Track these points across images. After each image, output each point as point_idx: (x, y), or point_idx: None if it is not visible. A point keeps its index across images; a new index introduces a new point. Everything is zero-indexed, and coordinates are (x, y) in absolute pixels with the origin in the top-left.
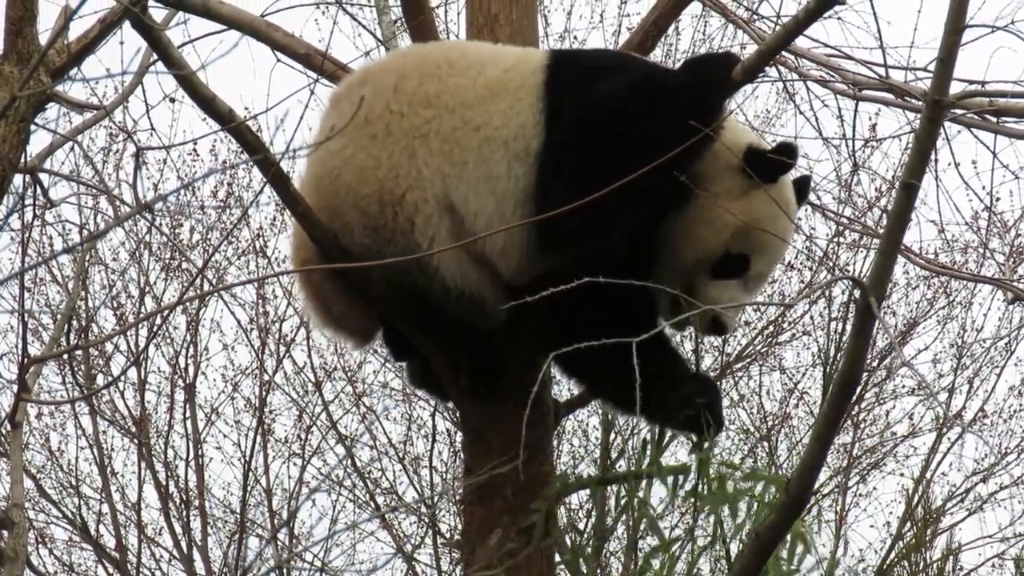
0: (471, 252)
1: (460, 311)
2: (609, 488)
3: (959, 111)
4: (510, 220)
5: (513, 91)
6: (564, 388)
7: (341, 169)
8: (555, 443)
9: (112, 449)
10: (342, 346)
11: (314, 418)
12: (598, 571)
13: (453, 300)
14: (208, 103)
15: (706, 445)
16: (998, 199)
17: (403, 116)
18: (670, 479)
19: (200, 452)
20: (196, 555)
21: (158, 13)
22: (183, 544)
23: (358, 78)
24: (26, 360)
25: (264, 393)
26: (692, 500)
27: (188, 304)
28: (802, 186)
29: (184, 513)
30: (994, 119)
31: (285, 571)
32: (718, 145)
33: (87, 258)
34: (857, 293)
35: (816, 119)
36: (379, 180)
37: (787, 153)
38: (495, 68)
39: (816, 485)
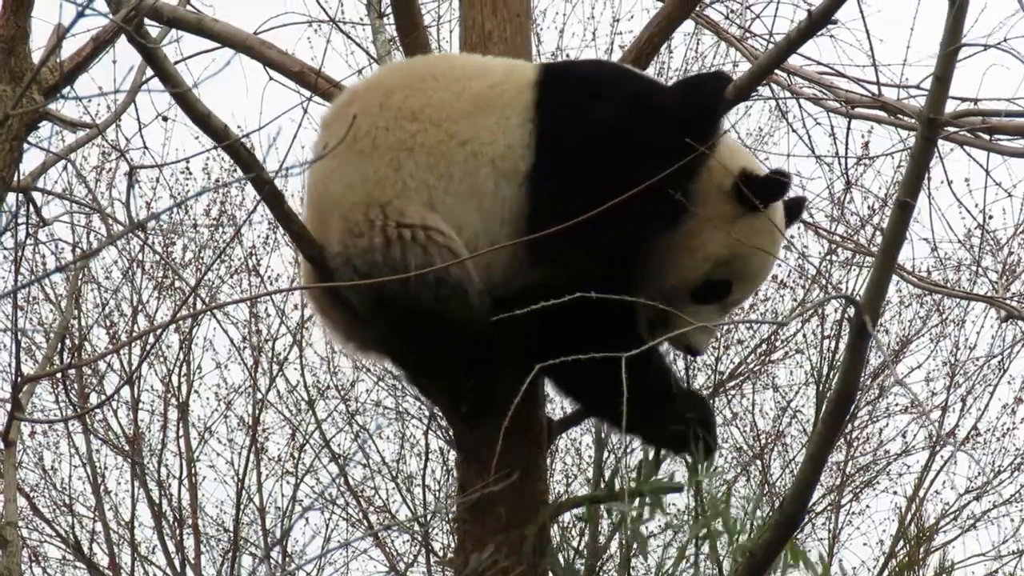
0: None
1: (440, 304)
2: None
3: (952, 129)
4: (496, 236)
5: (501, 108)
6: (558, 407)
7: (332, 187)
8: (548, 461)
9: (105, 468)
10: (337, 363)
11: (307, 436)
12: None
13: (431, 285)
14: (204, 120)
15: (700, 462)
16: (991, 217)
17: (388, 131)
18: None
19: (193, 471)
20: (189, 573)
21: (152, 31)
22: (176, 563)
23: (346, 99)
24: (19, 379)
25: (257, 411)
26: (685, 519)
27: (181, 323)
28: (796, 207)
29: (177, 531)
30: (987, 137)
31: None
32: (712, 165)
33: (80, 277)
34: (851, 311)
35: (809, 137)
36: (366, 191)
37: (779, 181)
38: (481, 82)
39: (810, 503)
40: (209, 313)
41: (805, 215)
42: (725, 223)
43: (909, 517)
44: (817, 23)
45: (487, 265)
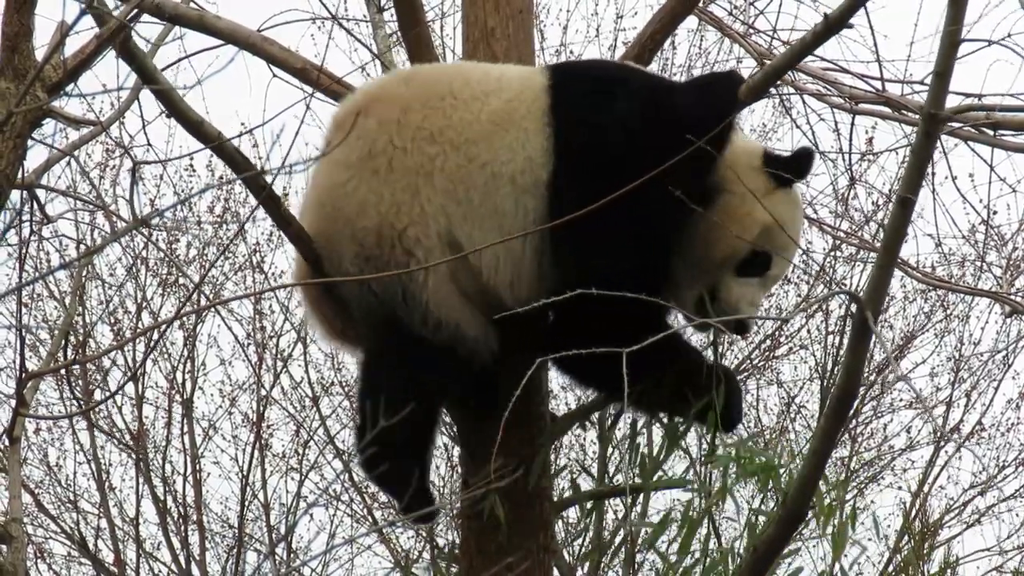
0: (463, 286)
1: (448, 343)
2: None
3: (956, 124)
4: (519, 255)
5: (518, 121)
6: (562, 402)
7: (344, 202)
8: (552, 457)
9: (110, 464)
10: (341, 359)
11: (311, 433)
12: None
13: (431, 328)
14: (196, 128)
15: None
16: (995, 212)
17: (407, 152)
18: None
19: (198, 467)
20: (195, 570)
21: (154, 28)
22: (181, 559)
23: (360, 103)
24: (24, 375)
25: (261, 408)
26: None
27: (185, 319)
28: (806, 157)
29: (182, 528)
30: (991, 132)
31: None
32: (734, 152)
33: (84, 273)
34: (854, 307)
35: (813, 133)
36: (380, 215)
37: (806, 158)
38: (499, 98)
39: (813, 499)
40: (213, 310)
41: (809, 211)
42: (763, 196)
43: (914, 512)
44: (834, 26)
45: (511, 284)
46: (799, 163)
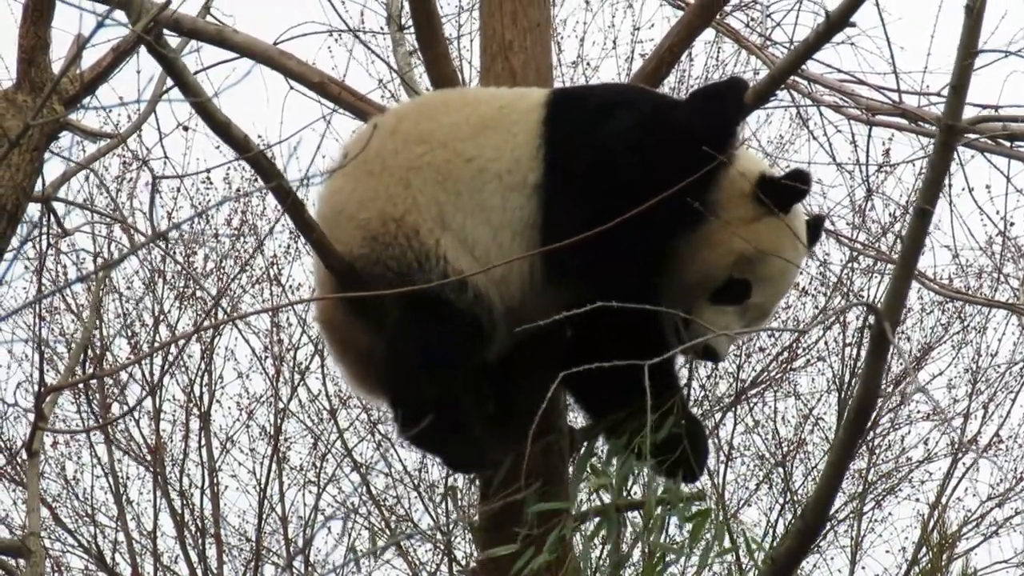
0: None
1: (472, 308)
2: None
3: (972, 136)
4: (507, 249)
5: (508, 126)
6: (581, 415)
7: (344, 203)
8: (570, 470)
9: (128, 478)
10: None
11: (329, 446)
12: None
13: (455, 288)
14: (224, 129)
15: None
16: (1012, 224)
17: (397, 153)
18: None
19: (215, 480)
20: None
21: (171, 42)
22: (199, 572)
23: (367, 128)
24: (42, 389)
25: (279, 421)
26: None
27: (203, 333)
28: (816, 226)
29: (200, 541)
30: (1007, 143)
31: None
32: (731, 172)
33: (102, 287)
34: (872, 319)
35: (830, 144)
36: (379, 208)
37: (800, 180)
38: (489, 106)
39: (832, 511)
40: (231, 323)
41: (827, 223)
42: (747, 224)
43: (931, 524)
44: (835, 25)
45: (502, 278)
46: (787, 191)
